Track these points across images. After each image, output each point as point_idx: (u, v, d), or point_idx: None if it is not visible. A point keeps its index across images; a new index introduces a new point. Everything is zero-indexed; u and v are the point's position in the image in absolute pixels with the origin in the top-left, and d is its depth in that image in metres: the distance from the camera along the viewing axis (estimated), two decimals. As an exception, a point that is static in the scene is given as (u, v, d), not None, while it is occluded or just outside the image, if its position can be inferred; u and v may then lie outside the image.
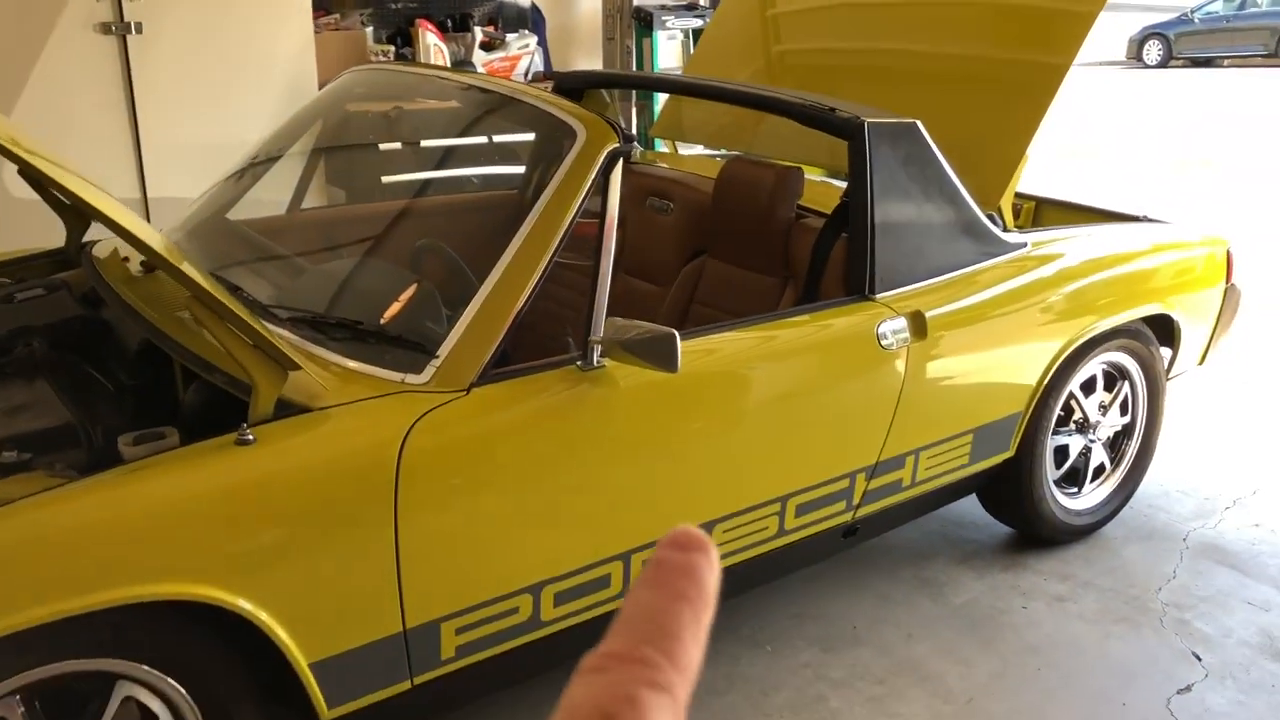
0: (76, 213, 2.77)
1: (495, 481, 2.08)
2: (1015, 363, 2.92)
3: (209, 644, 1.89)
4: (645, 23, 5.94)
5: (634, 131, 5.76)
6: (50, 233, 2.84)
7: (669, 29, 5.95)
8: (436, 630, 2.06)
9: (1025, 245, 2.97)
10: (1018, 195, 3.86)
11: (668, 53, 6.02)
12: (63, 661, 1.75)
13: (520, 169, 3.02)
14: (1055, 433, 3.16)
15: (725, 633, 2.85)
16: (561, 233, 2.18)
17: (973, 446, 2.91)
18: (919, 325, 2.67)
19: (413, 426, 1.97)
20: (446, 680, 2.12)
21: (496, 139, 2.98)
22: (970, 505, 3.37)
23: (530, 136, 2.68)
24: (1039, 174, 4.38)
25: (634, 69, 6.07)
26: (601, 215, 2.22)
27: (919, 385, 2.69)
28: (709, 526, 2.41)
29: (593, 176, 2.23)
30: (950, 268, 2.80)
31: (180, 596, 1.75)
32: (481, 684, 2.23)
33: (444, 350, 2.08)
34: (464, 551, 2.06)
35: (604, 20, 6.09)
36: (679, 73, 5.59)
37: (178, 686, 1.87)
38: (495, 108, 2.77)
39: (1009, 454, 3.02)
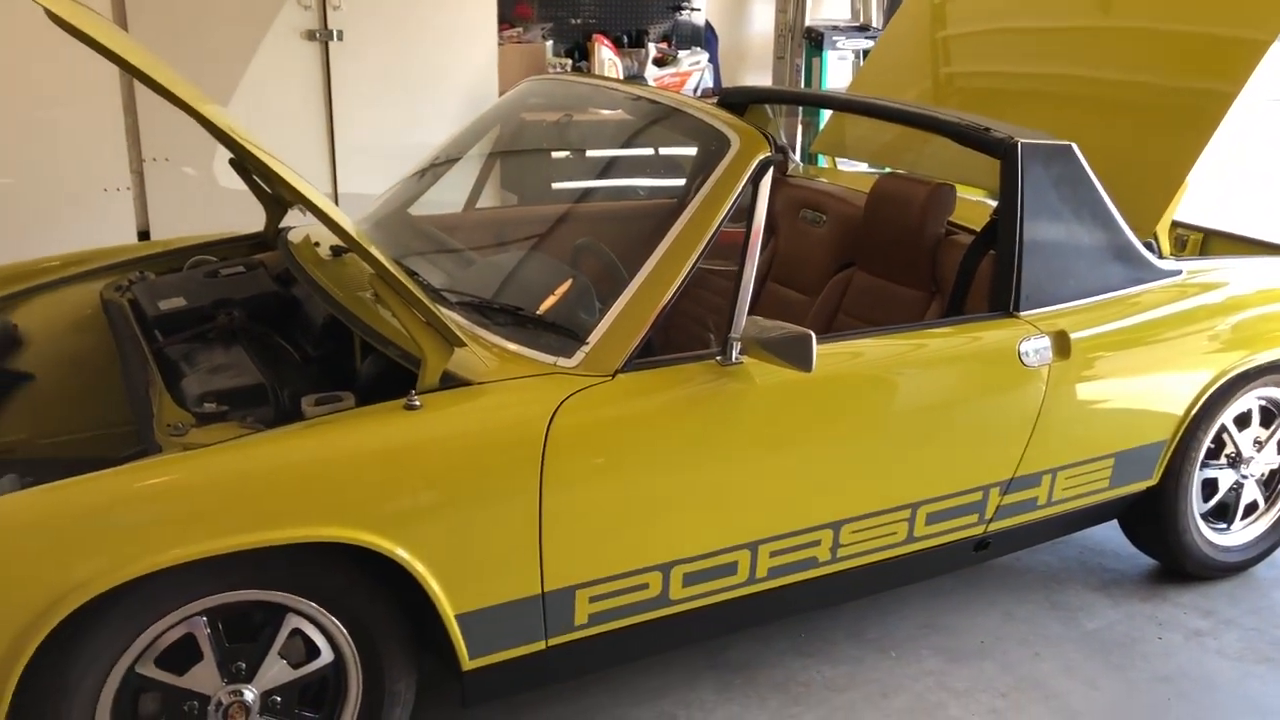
0: (276, 201, 3.05)
1: (633, 462, 2.22)
2: (1162, 390, 2.90)
3: (369, 589, 2.08)
4: (816, 42, 6.04)
5: (797, 147, 5.85)
6: (251, 218, 3.15)
7: (839, 49, 6.03)
8: (572, 596, 2.21)
9: (1180, 273, 2.94)
10: (1185, 225, 3.80)
11: (837, 72, 6.09)
12: (243, 590, 1.97)
13: (677, 179, 3.16)
14: (1204, 465, 3.11)
15: (849, 636, 2.92)
16: (710, 234, 2.31)
17: (1113, 471, 2.90)
18: (1062, 345, 2.70)
19: (561, 405, 2.13)
20: (578, 645, 2.27)
21: (658, 149, 3.13)
22: (1111, 534, 3.35)
23: (689, 145, 2.82)
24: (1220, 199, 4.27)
25: (802, 87, 6.17)
26: (749, 219, 2.34)
27: (1059, 404, 2.71)
28: (837, 526, 2.50)
29: (743, 183, 2.36)
30: (1099, 290, 2.81)
31: (345, 540, 1.95)
32: (610, 654, 2.37)
33: (593, 338, 2.24)
34: (600, 525, 2.20)
35: (775, 39, 6.22)
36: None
37: (339, 625, 2.08)
38: (658, 118, 2.93)
39: (1151, 482, 2.99)
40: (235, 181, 3.03)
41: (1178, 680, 2.81)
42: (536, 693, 2.61)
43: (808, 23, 6.11)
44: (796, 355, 2.17)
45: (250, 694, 2.03)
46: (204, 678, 1.99)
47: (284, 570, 1.99)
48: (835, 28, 6.11)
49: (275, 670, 2.05)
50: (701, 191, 2.37)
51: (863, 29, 6.20)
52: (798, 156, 5.71)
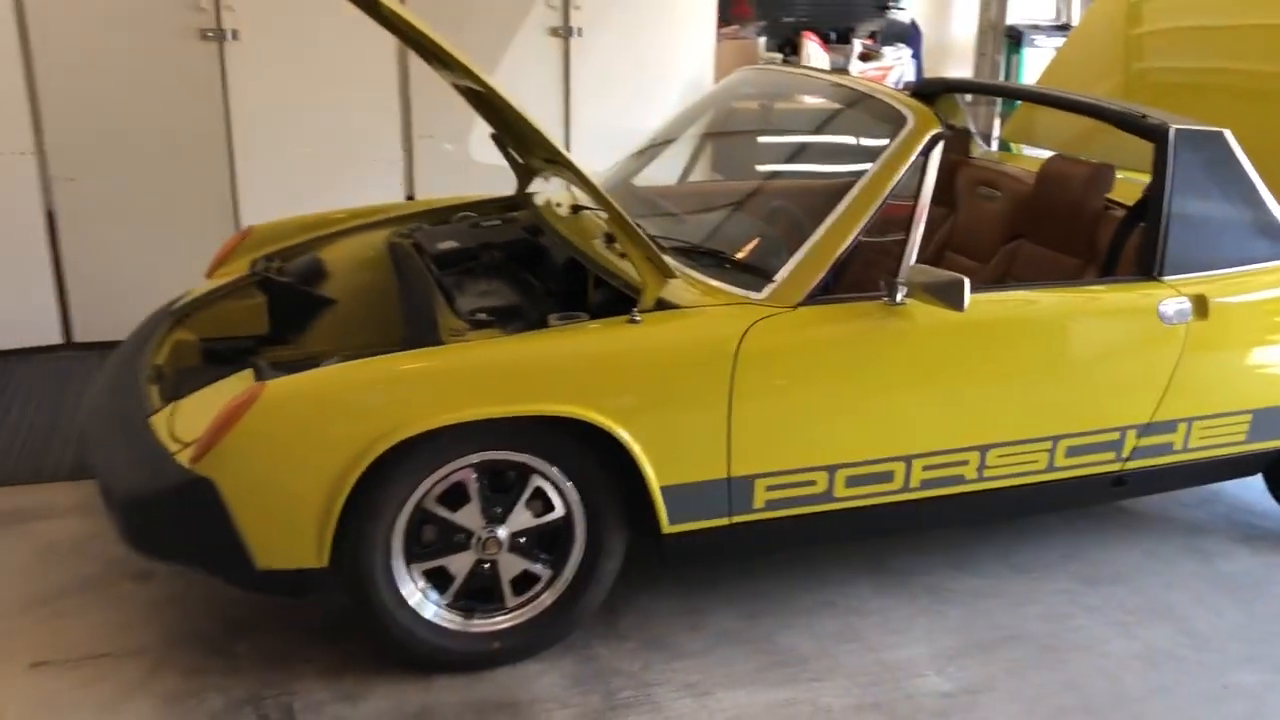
0: (526, 170, 3.69)
1: (808, 380, 2.72)
2: (1302, 355, 3.17)
3: (595, 461, 2.66)
4: (1015, 40, 6.33)
5: (994, 136, 6.16)
6: (495, 189, 3.80)
7: (1038, 46, 6.30)
8: (751, 484, 2.73)
9: (1326, 249, 3.21)
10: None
11: (1035, 68, 6.35)
12: (501, 450, 2.59)
13: (861, 151, 3.63)
14: (1348, 430, 3.34)
15: (995, 559, 3.32)
16: (884, 194, 2.79)
17: (1251, 426, 3.19)
18: (1201, 307, 3.03)
19: (750, 328, 2.65)
20: (756, 526, 2.78)
21: (846, 127, 3.60)
22: (1261, 496, 3.60)
23: (873, 122, 3.29)
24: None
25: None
26: (919, 184, 2.82)
27: (1196, 360, 3.05)
28: (984, 449, 2.93)
29: (916, 153, 2.82)
30: (1241, 261, 3.12)
31: (580, 416, 2.53)
32: (782, 537, 2.88)
33: (780, 276, 2.76)
34: (777, 428, 2.72)
35: (977, 36, 6.54)
36: (1043, 87, 5.90)
37: (572, 488, 2.67)
38: (850, 101, 3.41)
39: (1291, 440, 3.27)
40: (486, 157, 3.68)
41: (1302, 618, 3.09)
42: (724, 572, 3.14)
43: (1010, 21, 6.41)
44: (951, 296, 2.62)
45: (503, 533, 2.65)
46: (470, 517, 2.62)
47: (532, 438, 2.60)
48: (1036, 26, 6.38)
49: (522, 518, 2.66)
50: (880, 159, 2.85)
51: (1063, 28, 6.44)
52: (995, 145, 6.02)
